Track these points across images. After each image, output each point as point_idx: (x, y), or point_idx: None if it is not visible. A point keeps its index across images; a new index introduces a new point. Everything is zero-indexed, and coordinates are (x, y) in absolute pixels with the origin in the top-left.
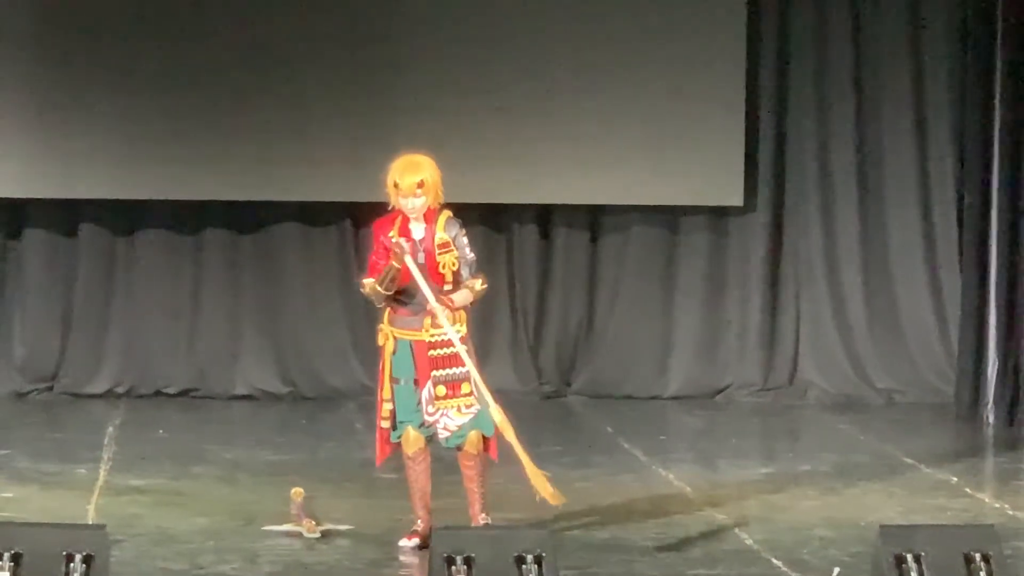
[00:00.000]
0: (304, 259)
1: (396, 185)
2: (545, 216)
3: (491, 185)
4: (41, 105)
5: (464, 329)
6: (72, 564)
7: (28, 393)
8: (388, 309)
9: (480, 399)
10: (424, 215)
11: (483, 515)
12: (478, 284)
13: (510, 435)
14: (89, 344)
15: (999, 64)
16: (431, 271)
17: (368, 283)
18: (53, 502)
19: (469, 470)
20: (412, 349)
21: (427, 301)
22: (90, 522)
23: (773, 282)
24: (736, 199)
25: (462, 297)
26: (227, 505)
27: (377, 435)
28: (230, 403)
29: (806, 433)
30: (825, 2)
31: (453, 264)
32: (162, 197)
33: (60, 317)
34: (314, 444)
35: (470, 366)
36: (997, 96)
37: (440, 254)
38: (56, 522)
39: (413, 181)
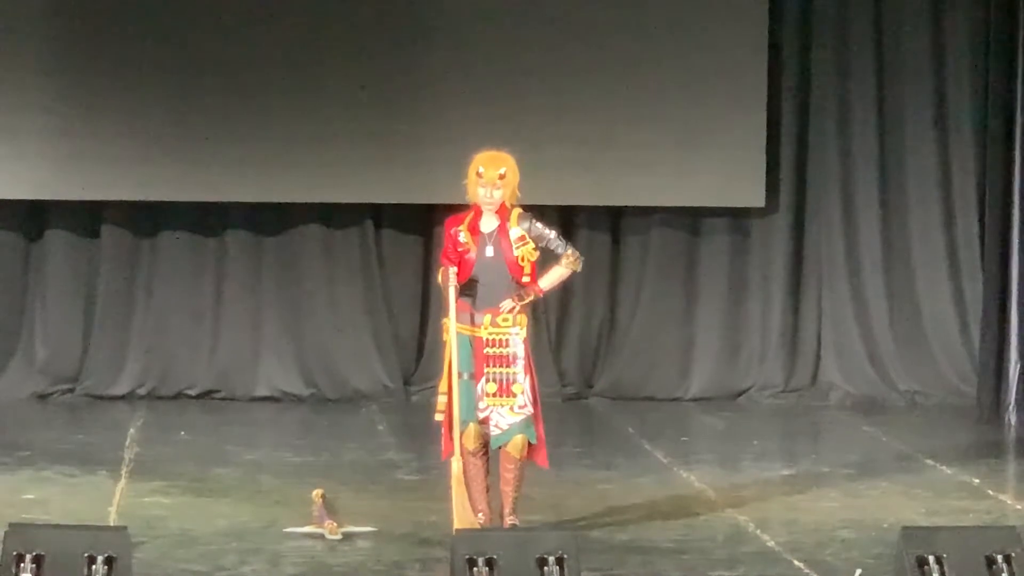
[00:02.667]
0: (326, 261)
1: (479, 174)
2: (567, 218)
3: None
4: (63, 107)
5: (525, 332)
6: (94, 566)
7: (50, 395)
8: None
9: (534, 404)
10: (497, 210)
11: (511, 517)
12: (571, 256)
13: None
14: (111, 346)
15: (1021, 65)
16: (509, 265)
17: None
18: (75, 504)
19: (508, 472)
20: (471, 344)
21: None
22: (112, 524)
23: (795, 283)
24: (758, 200)
25: (550, 279)
26: (249, 507)
27: (443, 430)
28: (252, 405)
29: (828, 434)
30: (847, 3)
31: (532, 255)
32: (184, 199)
33: (82, 319)
34: (336, 446)
35: (519, 369)
36: (1019, 97)
37: (518, 247)
38: (78, 524)
39: (496, 172)
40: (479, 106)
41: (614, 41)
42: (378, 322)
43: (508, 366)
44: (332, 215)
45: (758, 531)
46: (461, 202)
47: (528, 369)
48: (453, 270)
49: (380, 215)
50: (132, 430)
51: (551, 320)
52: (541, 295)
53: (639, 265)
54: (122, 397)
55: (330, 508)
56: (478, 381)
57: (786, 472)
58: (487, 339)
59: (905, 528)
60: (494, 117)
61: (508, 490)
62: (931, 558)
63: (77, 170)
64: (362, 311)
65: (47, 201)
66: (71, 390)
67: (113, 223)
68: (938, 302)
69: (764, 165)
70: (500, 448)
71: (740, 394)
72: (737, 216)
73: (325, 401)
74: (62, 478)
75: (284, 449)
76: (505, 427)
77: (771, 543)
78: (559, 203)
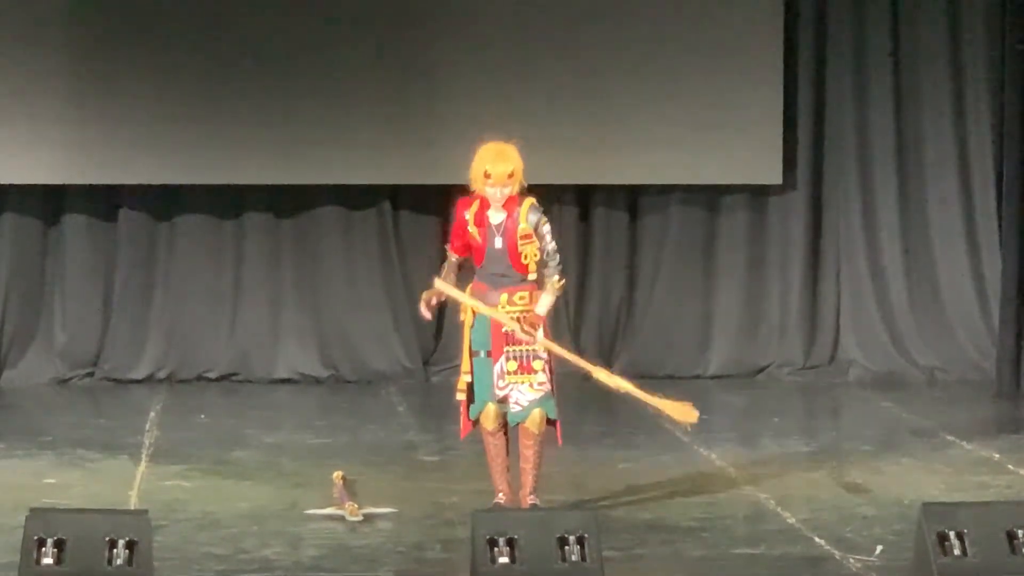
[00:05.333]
0: (344, 242)
1: (487, 175)
2: (584, 197)
3: (529, 166)
4: (79, 91)
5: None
6: (115, 550)
7: (69, 379)
8: (469, 283)
9: (551, 381)
10: (507, 201)
11: (532, 496)
12: (556, 282)
13: (625, 385)
14: (130, 329)
15: None
16: (512, 258)
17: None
18: (95, 488)
19: (527, 449)
20: (489, 323)
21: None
22: (133, 508)
23: (813, 261)
24: (775, 178)
25: (544, 306)
26: (269, 489)
27: (462, 410)
28: (272, 387)
29: (848, 411)
30: None
31: (535, 255)
32: (202, 182)
33: (101, 303)
34: (356, 427)
35: (542, 346)
36: None
37: (523, 244)
38: (99, 508)
39: (505, 171)
40: (496, 86)
41: (631, 19)
42: (397, 303)
43: (528, 343)
44: (350, 196)
45: (779, 508)
46: None
47: (548, 337)
48: (454, 259)
49: (397, 196)
50: (152, 414)
51: (570, 299)
52: (543, 321)
53: (657, 244)
54: (142, 381)
55: (350, 490)
56: (496, 360)
57: (806, 449)
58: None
59: (926, 504)
60: (511, 97)
61: (528, 467)
62: (952, 534)
63: (94, 154)
64: (381, 292)
65: (64, 185)
66: (91, 374)
67: (131, 207)
68: (957, 277)
69: (781, 142)
70: (519, 425)
71: (760, 371)
72: (755, 194)
73: (344, 383)
74: (83, 462)
75: (304, 431)
76: (525, 404)
77: (792, 520)
78: (577, 182)
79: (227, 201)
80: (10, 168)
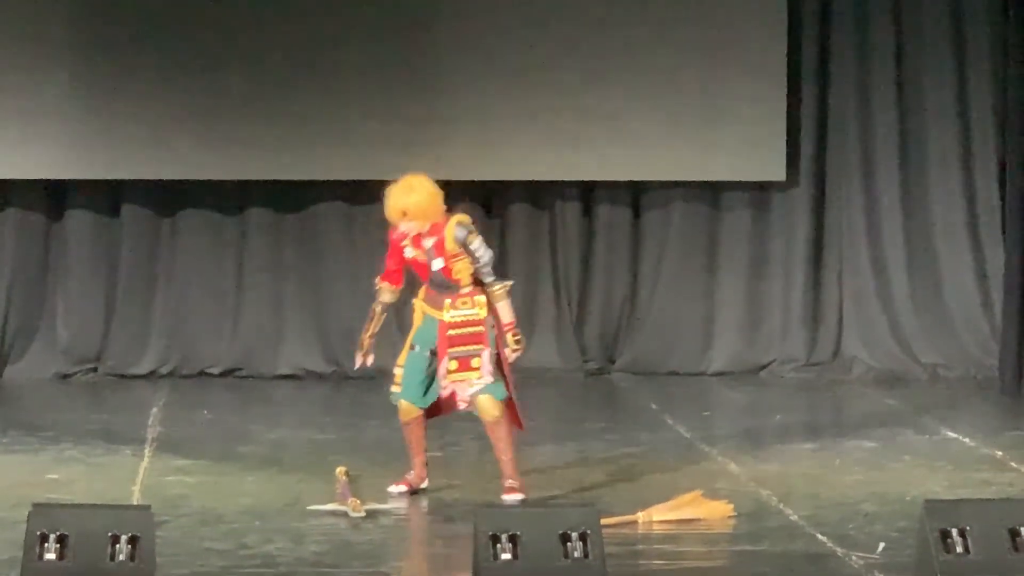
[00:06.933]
0: (347, 238)
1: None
2: (587, 193)
3: (533, 163)
4: (82, 87)
5: (485, 312)
6: (118, 545)
7: (72, 375)
8: (422, 287)
9: (493, 373)
10: (432, 227)
11: (511, 481)
12: (497, 289)
13: (656, 513)
14: (133, 325)
15: None
16: (447, 274)
17: (380, 294)
18: (98, 483)
19: (491, 438)
20: (437, 325)
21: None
22: (135, 503)
23: (816, 257)
24: (778, 174)
25: (507, 313)
26: (272, 485)
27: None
28: (274, 383)
29: (850, 408)
30: None
31: (468, 268)
32: (204, 177)
33: (103, 298)
34: (359, 423)
35: (481, 345)
36: None
37: (453, 262)
38: (101, 503)
39: (396, 210)
40: (498, 82)
41: (634, 15)
42: (400, 300)
43: (471, 344)
44: (353, 192)
45: (781, 505)
46: (479, 179)
47: (488, 343)
48: (385, 288)
49: None
50: (155, 409)
51: (572, 296)
52: (513, 326)
53: (660, 240)
54: (144, 376)
55: (353, 486)
56: (441, 360)
57: (809, 446)
58: (451, 320)
59: (928, 501)
60: (513, 93)
61: (498, 455)
62: (954, 531)
63: (97, 150)
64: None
65: (67, 181)
66: (93, 370)
67: (134, 202)
68: (959, 275)
69: (784, 139)
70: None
71: (762, 368)
72: (758, 190)
73: (347, 379)
74: (85, 458)
75: (307, 427)
76: (468, 398)
77: (794, 517)
78: (579, 179)
79: (230, 197)
80: (13, 163)
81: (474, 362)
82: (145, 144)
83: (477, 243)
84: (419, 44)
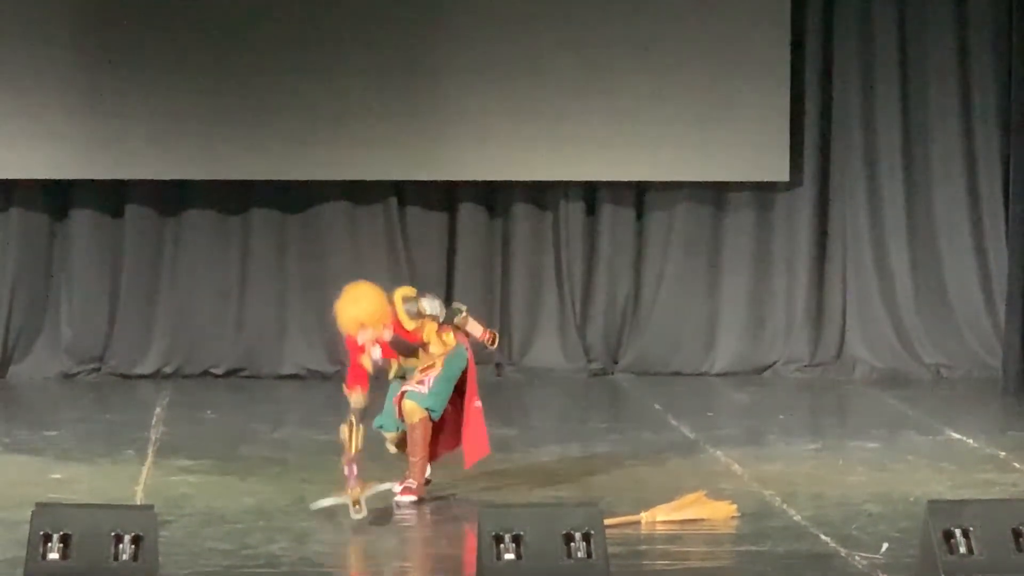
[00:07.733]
0: (350, 238)
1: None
2: (591, 193)
3: (537, 163)
4: (86, 87)
5: (452, 341)
6: (121, 545)
7: (76, 374)
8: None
9: (431, 389)
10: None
11: (410, 481)
12: (459, 319)
13: (659, 513)
14: (136, 325)
15: None
16: (417, 342)
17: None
18: (102, 483)
19: (408, 437)
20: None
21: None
22: (139, 503)
23: (819, 257)
24: (782, 175)
25: (475, 328)
26: (275, 485)
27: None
28: (278, 383)
29: (853, 408)
30: None
31: (432, 327)
32: (208, 177)
33: (107, 298)
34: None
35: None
36: None
37: (417, 332)
38: (105, 503)
39: (353, 322)
40: (502, 82)
41: (638, 16)
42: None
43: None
44: (356, 192)
45: (784, 505)
46: (482, 179)
47: (442, 365)
48: (357, 392)
49: (404, 192)
50: (158, 409)
51: (576, 296)
52: (485, 332)
53: (664, 240)
54: (148, 376)
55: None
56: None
57: (812, 446)
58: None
59: (932, 502)
60: (517, 94)
61: (409, 455)
62: (958, 531)
63: (101, 149)
64: (387, 288)
65: (71, 181)
66: (97, 369)
67: (137, 202)
68: (963, 275)
69: (788, 139)
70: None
71: (765, 369)
72: (761, 190)
73: None
74: (89, 457)
75: (310, 427)
76: (399, 396)
77: (797, 517)
78: (583, 179)
79: (234, 197)
80: (18, 163)
81: (420, 383)
82: (149, 144)
83: (426, 303)
84: (422, 44)
